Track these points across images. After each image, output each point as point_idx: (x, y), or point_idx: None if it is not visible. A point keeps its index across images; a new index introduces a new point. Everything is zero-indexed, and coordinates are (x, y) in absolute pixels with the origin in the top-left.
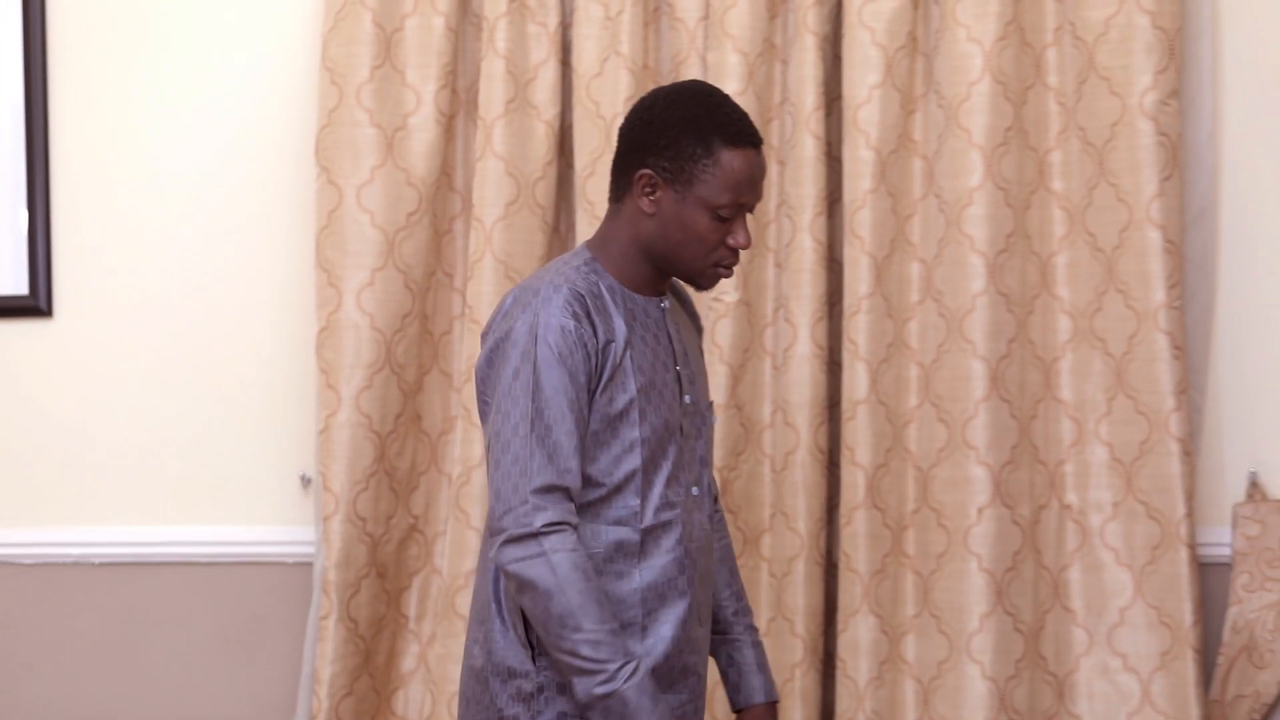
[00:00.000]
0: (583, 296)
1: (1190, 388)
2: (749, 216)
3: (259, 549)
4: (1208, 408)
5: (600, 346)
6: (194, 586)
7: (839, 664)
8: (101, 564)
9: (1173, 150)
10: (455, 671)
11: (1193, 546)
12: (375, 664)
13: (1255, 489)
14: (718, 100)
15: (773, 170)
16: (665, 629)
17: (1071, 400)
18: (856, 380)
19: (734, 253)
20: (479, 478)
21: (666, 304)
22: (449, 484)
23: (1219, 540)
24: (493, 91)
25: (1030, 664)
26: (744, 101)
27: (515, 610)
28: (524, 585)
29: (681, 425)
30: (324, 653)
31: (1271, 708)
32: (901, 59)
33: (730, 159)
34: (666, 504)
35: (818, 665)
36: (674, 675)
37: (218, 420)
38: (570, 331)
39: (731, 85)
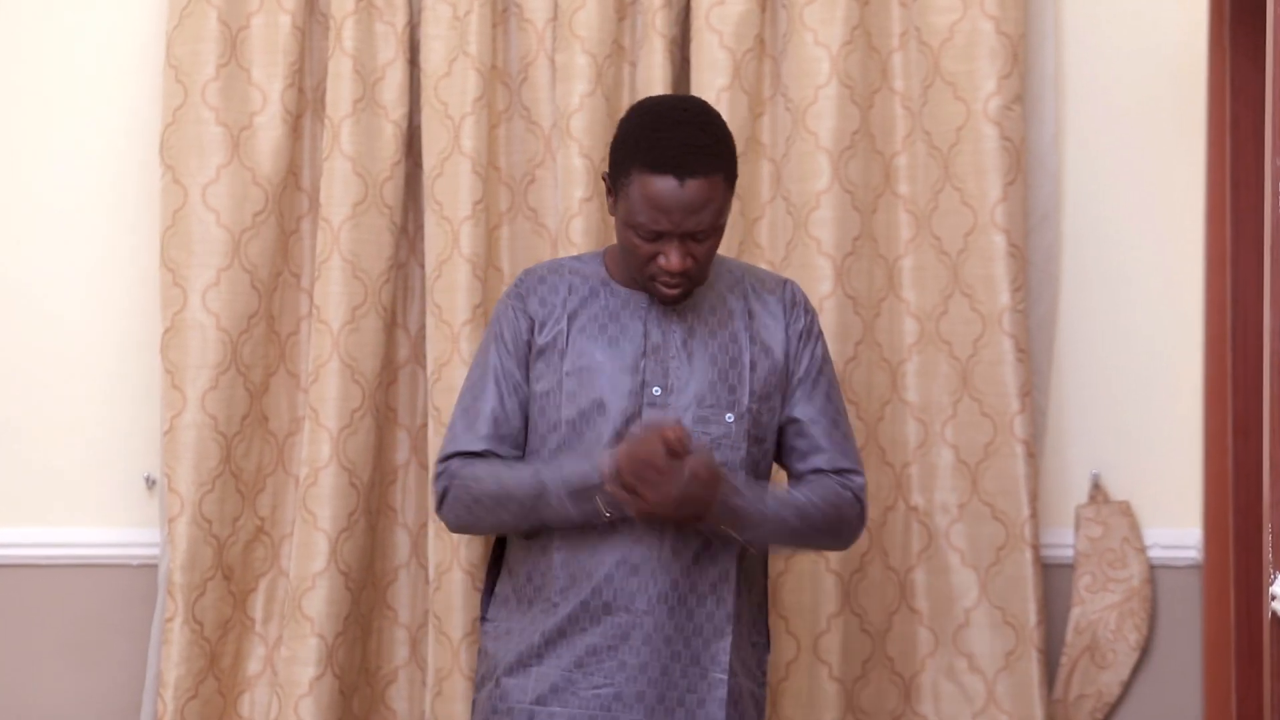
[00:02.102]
0: (534, 278)
1: (1034, 390)
2: (697, 243)
3: (103, 551)
4: (1051, 410)
5: (531, 325)
6: (36, 589)
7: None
8: None
9: (1016, 155)
10: (302, 674)
11: (1036, 547)
12: (221, 667)
13: (1097, 490)
14: (657, 123)
15: None
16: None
17: (918, 402)
18: None
19: (669, 273)
20: (326, 479)
21: (654, 301)
22: (296, 485)
23: (1062, 541)
24: (340, 91)
25: (877, 664)
26: (593, 103)
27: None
28: (460, 517)
29: (643, 415)
30: (169, 655)
31: (1113, 707)
32: (749, 62)
33: (644, 184)
34: None
35: None
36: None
37: (61, 420)
38: (507, 310)
39: (580, 86)
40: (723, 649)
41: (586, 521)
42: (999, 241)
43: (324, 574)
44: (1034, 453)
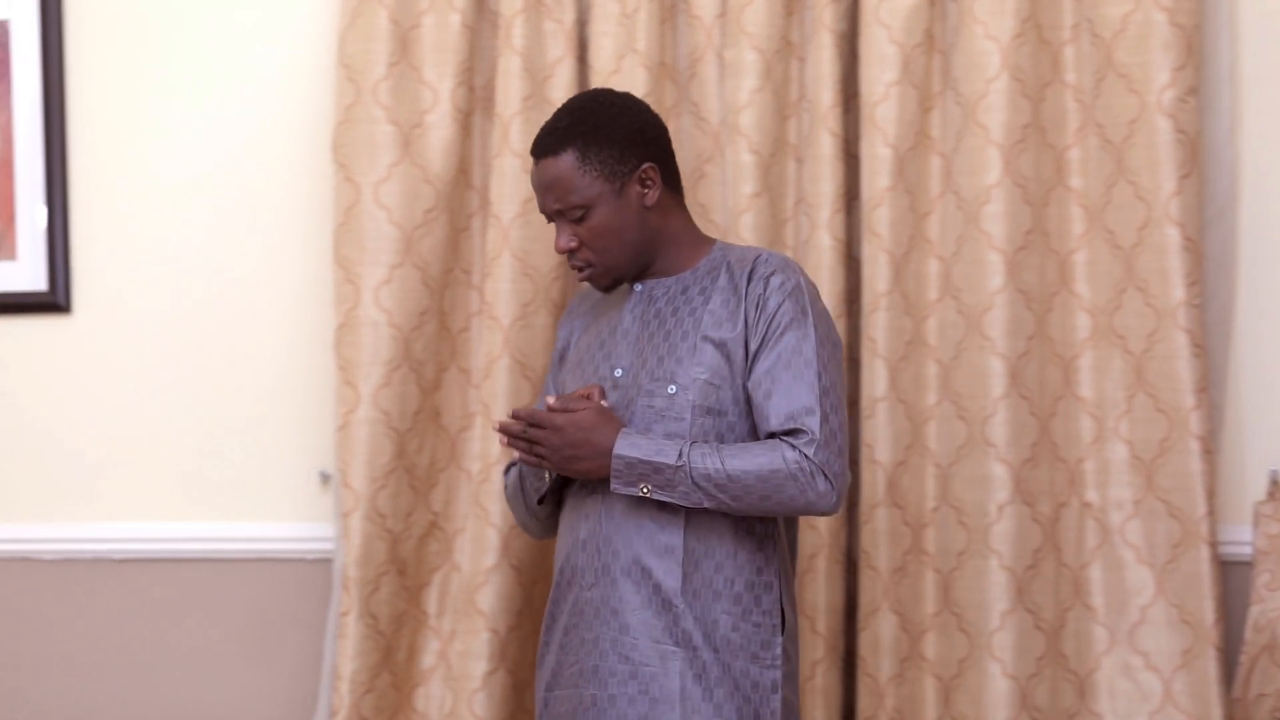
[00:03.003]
0: (577, 296)
1: (1210, 385)
2: (577, 224)
3: (279, 545)
4: (1228, 405)
5: (564, 341)
6: (214, 583)
7: (860, 662)
8: (121, 560)
9: (1191, 147)
10: (475, 668)
11: (1214, 545)
12: (395, 661)
13: (1276, 488)
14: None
15: (790, 167)
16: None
17: (1091, 398)
18: (875, 378)
19: (561, 253)
20: (498, 475)
21: (639, 286)
22: (469, 481)
23: (1240, 539)
24: (510, 88)
25: (1051, 662)
26: (761, 99)
27: None
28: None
29: (612, 398)
30: (344, 649)
31: None
32: (919, 56)
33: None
34: None
35: (838, 663)
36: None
37: (237, 416)
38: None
39: (748, 82)
40: (674, 620)
41: (540, 493)
42: (1173, 235)
43: (496, 569)
44: (1211, 449)
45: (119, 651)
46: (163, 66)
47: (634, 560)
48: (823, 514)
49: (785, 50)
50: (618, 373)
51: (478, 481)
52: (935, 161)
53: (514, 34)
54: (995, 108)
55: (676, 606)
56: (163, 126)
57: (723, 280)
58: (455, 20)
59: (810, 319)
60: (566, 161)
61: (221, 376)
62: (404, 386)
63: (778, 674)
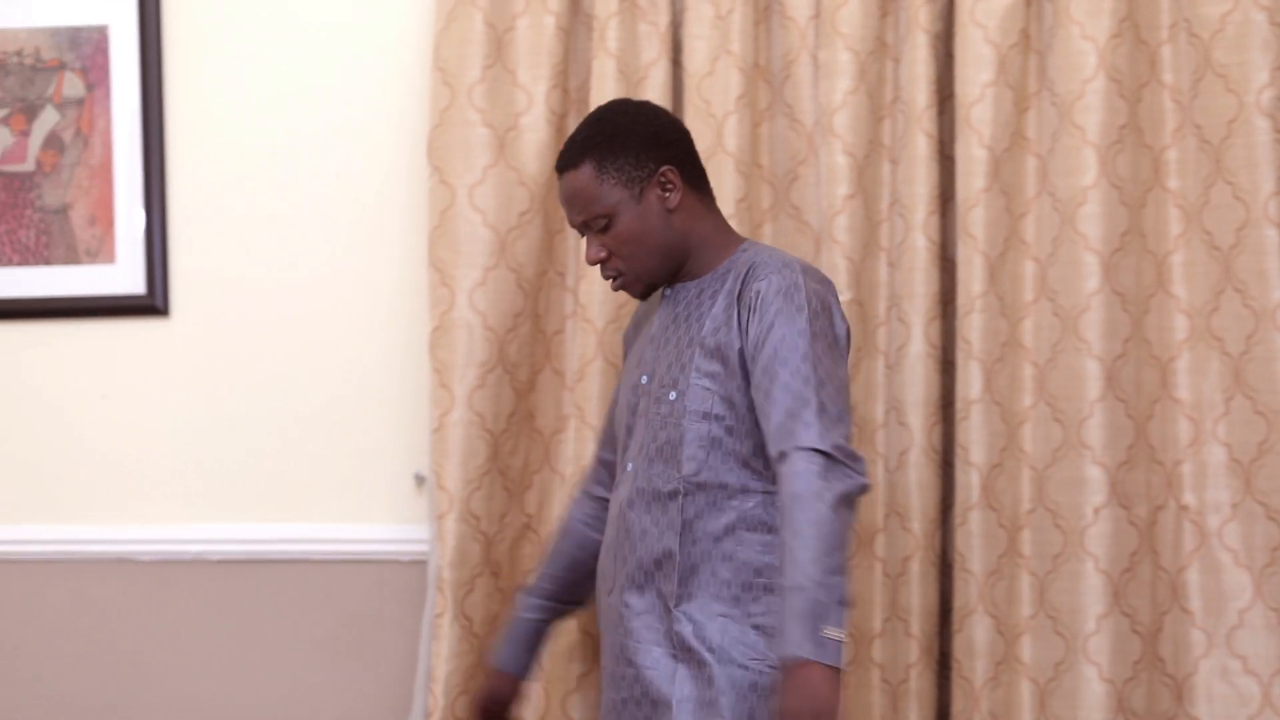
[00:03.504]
0: (641, 303)
1: None
2: (603, 234)
3: (374, 547)
4: None
5: (625, 346)
6: (310, 585)
7: (954, 665)
8: (218, 561)
9: None
10: (570, 670)
11: None
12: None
13: None
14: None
15: (884, 169)
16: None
17: (1189, 400)
18: (970, 379)
19: (592, 264)
20: None
21: (667, 291)
22: (562, 483)
23: None
24: (604, 91)
25: (1148, 666)
26: (855, 100)
27: None
28: None
29: (639, 404)
30: (439, 651)
31: None
32: (1014, 56)
33: None
34: (620, 475)
35: (933, 666)
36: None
37: (332, 418)
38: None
39: (843, 84)
40: (672, 625)
41: None
42: (1272, 236)
43: None
44: None
45: (216, 653)
46: (259, 71)
47: (637, 565)
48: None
49: (880, 51)
50: (644, 379)
51: (571, 484)
52: (1031, 162)
53: (608, 36)
54: (1092, 108)
55: (673, 611)
56: (259, 130)
57: (729, 283)
58: (550, 23)
59: (804, 313)
60: (585, 173)
61: (317, 379)
62: (498, 389)
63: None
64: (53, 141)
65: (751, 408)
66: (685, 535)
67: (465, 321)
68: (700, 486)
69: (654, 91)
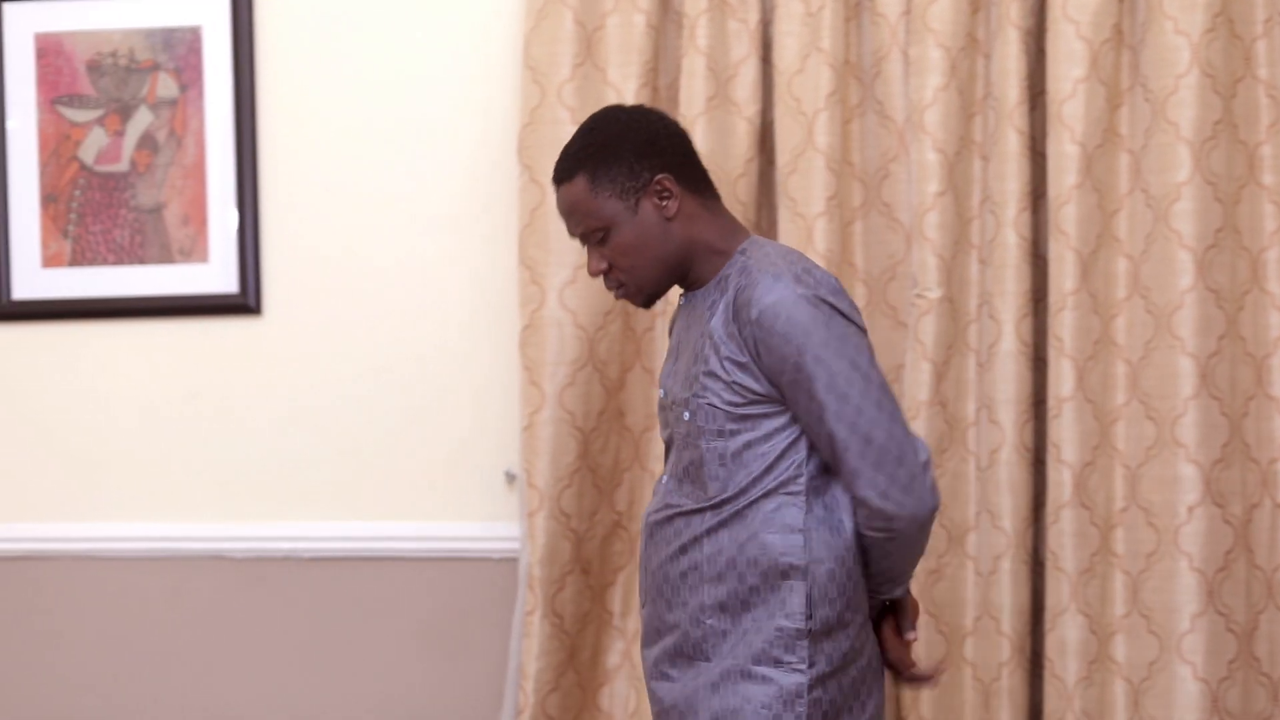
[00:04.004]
0: None
1: None
2: (603, 245)
3: (465, 545)
4: None
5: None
6: (401, 582)
7: (1047, 663)
8: (310, 559)
9: None
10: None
11: None
12: (580, 660)
13: None
14: None
15: (975, 166)
16: None
17: None
18: (1062, 377)
19: (594, 275)
20: None
21: (682, 300)
22: (652, 480)
23: None
24: (694, 89)
25: (1243, 665)
26: (946, 97)
27: None
28: None
29: (667, 419)
30: (529, 648)
31: None
32: (1107, 52)
33: None
34: (656, 485)
35: (1025, 665)
36: None
37: (422, 416)
38: None
39: (934, 80)
40: (699, 634)
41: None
42: None
43: None
44: None
45: (308, 648)
46: (350, 70)
47: (663, 576)
48: (932, 509)
49: (970, 47)
50: (662, 394)
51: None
52: (1124, 159)
53: (698, 34)
54: (1185, 104)
55: (695, 621)
56: (350, 129)
57: (727, 293)
58: (640, 21)
59: (809, 352)
60: (579, 186)
61: (408, 377)
62: (588, 386)
63: (803, 678)
64: (147, 142)
65: (768, 415)
66: (693, 547)
67: (555, 319)
68: (726, 502)
69: (744, 89)
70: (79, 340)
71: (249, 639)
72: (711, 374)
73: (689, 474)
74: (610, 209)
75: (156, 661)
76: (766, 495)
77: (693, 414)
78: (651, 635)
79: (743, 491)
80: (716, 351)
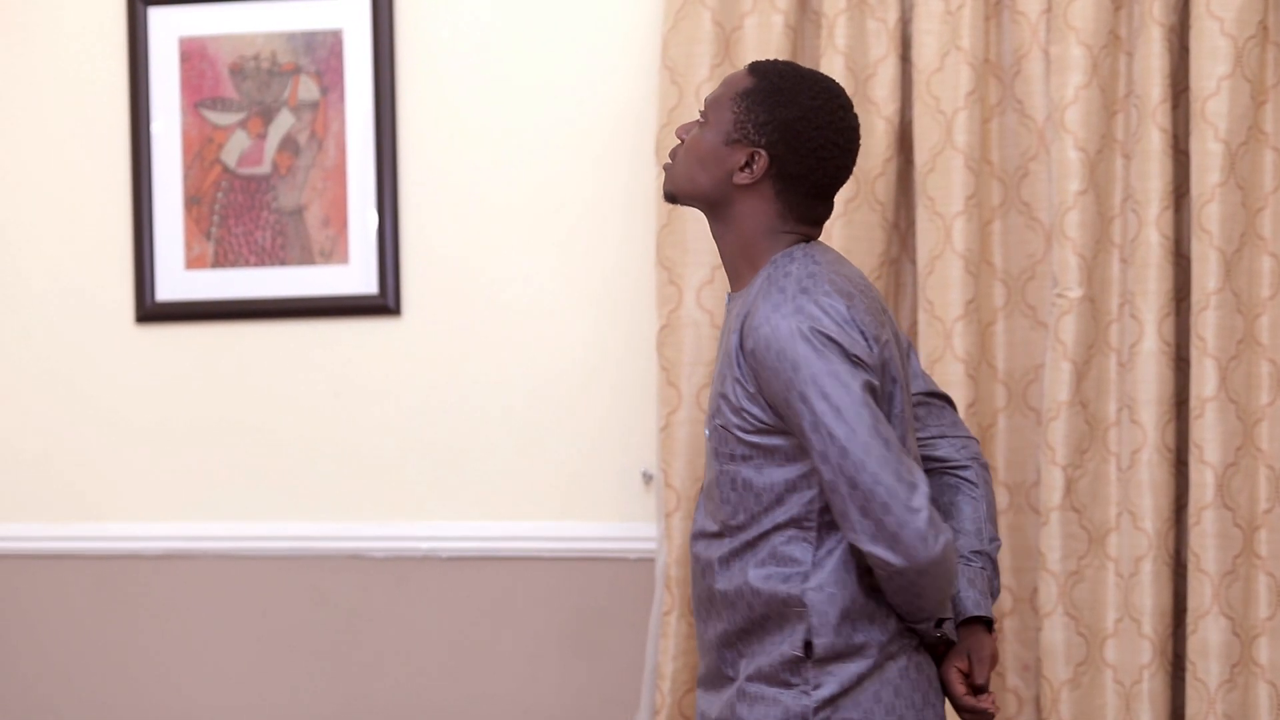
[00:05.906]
0: None
1: None
2: (694, 127)
3: (602, 545)
4: None
5: None
6: (538, 581)
7: (1189, 666)
8: (449, 558)
9: None
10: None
11: None
12: None
13: None
14: None
15: (1117, 164)
16: None
17: None
18: (1205, 377)
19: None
20: None
21: (728, 300)
22: None
23: None
24: None
25: None
26: (1088, 95)
27: None
28: None
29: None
30: (666, 648)
31: None
32: (1252, 49)
33: None
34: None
35: (1166, 667)
36: None
37: (560, 416)
38: None
39: (1075, 78)
40: (724, 652)
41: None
42: None
43: None
44: None
45: (446, 648)
46: (488, 72)
47: (696, 595)
48: (926, 559)
49: (1112, 45)
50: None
51: None
52: (1269, 156)
53: (836, 34)
54: None
55: (717, 643)
56: (488, 131)
57: (746, 307)
58: (778, 21)
59: (795, 389)
60: (739, 84)
61: (546, 377)
62: None
63: (809, 700)
64: (288, 144)
65: (777, 446)
66: (711, 573)
67: (693, 320)
68: (739, 529)
69: (883, 88)
70: (221, 341)
71: (388, 639)
72: (724, 396)
73: (709, 493)
74: (723, 119)
75: (297, 660)
76: (777, 529)
77: (711, 433)
78: (700, 647)
79: (754, 520)
80: (730, 373)
